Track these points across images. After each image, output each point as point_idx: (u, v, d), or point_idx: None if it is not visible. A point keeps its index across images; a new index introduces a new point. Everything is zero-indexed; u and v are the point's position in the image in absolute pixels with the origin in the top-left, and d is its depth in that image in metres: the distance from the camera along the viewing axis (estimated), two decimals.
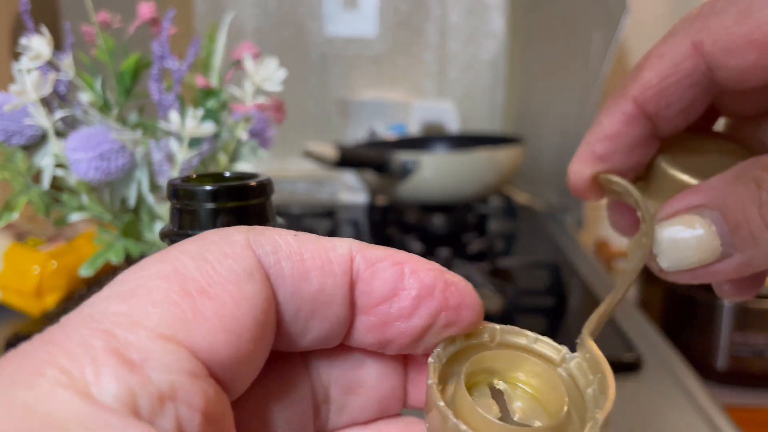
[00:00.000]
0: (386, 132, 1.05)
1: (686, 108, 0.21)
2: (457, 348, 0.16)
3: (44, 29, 0.38)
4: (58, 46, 0.39)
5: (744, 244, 0.18)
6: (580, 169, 0.23)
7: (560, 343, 0.17)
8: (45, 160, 0.39)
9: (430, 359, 0.15)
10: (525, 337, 0.17)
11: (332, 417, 0.16)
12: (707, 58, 0.19)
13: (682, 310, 0.85)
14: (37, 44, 0.38)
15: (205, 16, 1.19)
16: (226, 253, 0.13)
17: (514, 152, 0.89)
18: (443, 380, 0.15)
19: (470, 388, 0.16)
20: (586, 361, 0.16)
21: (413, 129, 1.07)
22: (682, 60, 0.20)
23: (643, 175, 0.24)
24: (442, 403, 0.14)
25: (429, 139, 1.03)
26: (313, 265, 0.14)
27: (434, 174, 0.85)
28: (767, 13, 0.18)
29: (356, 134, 1.07)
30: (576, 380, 0.16)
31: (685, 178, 0.22)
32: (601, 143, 0.22)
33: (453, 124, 1.07)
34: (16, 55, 0.38)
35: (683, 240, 0.19)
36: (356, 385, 0.16)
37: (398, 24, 1.22)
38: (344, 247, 0.14)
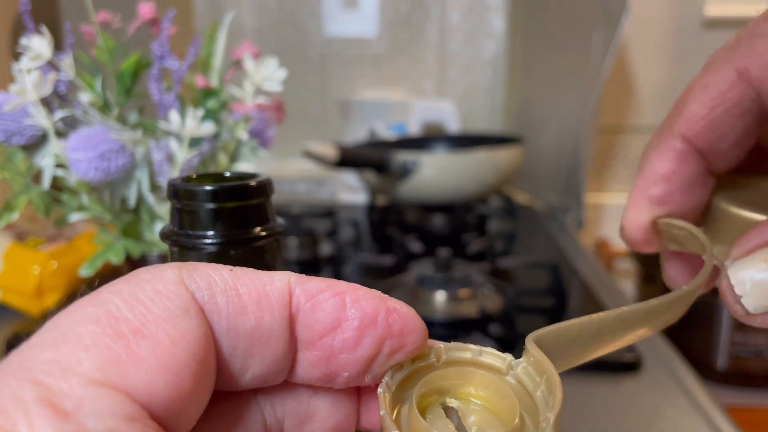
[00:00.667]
0: (386, 132, 1.05)
1: (739, 140, 0.20)
2: (406, 373, 0.16)
3: (44, 29, 0.38)
4: (58, 46, 0.39)
5: None
6: (637, 216, 0.22)
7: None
8: (45, 160, 0.39)
9: (379, 390, 0.15)
10: (470, 351, 0.16)
11: None
12: (755, 84, 0.19)
13: None
14: (37, 44, 0.38)
15: (205, 16, 1.19)
16: (159, 291, 0.13)
17: (514, 152, 0.89)
18: (395, 407, 0.15)
19: (423, 410, 0.16)
20: (531, 364, 0.15)
21: (413, 129, 1.07)
22: (728, 89, 0.19)
23: (701, 221, 0.23)
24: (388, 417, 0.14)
25: (429, 139, 1.03)
26: (249, 299, 0.14)
27: (434, 174, 0.85)
28: None
29: (356, 134, 1.07)
30: (525, 385, 0.16)
31: (751, 214, 0.21)
32: (657, 185, 0.21)
33: (453, 124, 1.07)
34: (16, 55, 0.38)
35: (766, 277, 0.18)
36: (309, 416, 0.16)
37: (398, 24, 1.22)
38: (282, 280, 0.14)
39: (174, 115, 0.40)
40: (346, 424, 0.16)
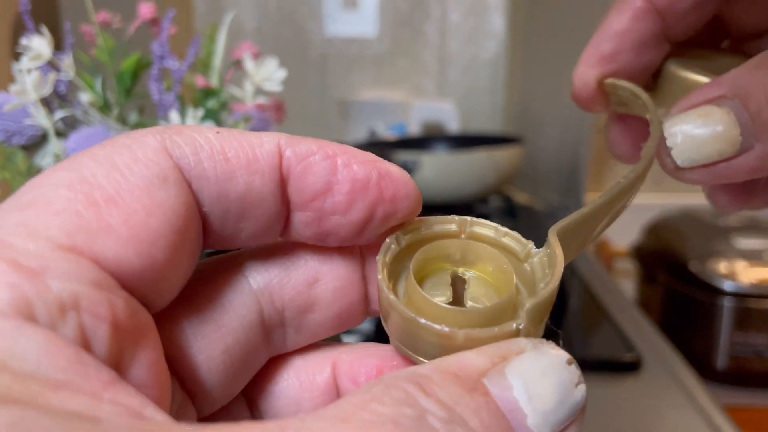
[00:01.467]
0: (386, 132, 1.05)
1: (698, 3, 0.20)
2: (417, 237, 0.16)
3: (44, 29, 0.38)
4: (58, 46, 0.39)
5: (766, 131, 0.17)
6: (586, 71, 0.22)
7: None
8: (45, 160, 0.39)
9: (378, 256, 0.15)
10: (494, 230, 0.16)
11: (290, 338, 0.16)
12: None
13: (681, 310, 0.85)
14: (38, 44, 0.38)
15: (205, 16, 1.19)
16: (138, 157, 0.12)
17: (514, 152, 0.89)
18: (395, 274, 0.15)
19: (425, 277, 0.16)
20: (547, 256, 0.15)
21: (413, 129, 1.07)
22: None
23: (652, 86, 0.22)
24: (392, 296, 0.14)
25: (429, 139, 1.03)
26: (238, 163, 0.13)
27: (434, 174, 0.85)
28: None
29: (356, 134, 1.07)
30: (535, 274, 0.16)
31: (699, 77, 0.20)
32: (609, 41, 0.21)
33: (453, 124, 1.07)
34: (16, 56, 0.38)
35: (700, 133, 0.18)
36: (312, 304, 0.16)
37: (398, 24, 1.22)
38: (272, 142, 0.14)
39: (174, 115, 0.40)
40: (351, 314, 0.16)
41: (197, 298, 0.14)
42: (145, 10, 0.44)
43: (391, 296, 0.14)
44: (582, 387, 0.13)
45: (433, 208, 0.91)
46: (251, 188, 0.13)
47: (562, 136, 0.98)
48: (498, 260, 0.16)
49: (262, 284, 0.15)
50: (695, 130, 0.18)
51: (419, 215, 0.16)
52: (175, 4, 0.48)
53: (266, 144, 0.14)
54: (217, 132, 0.13)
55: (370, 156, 0.15)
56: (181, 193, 0.12)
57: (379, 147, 0.97)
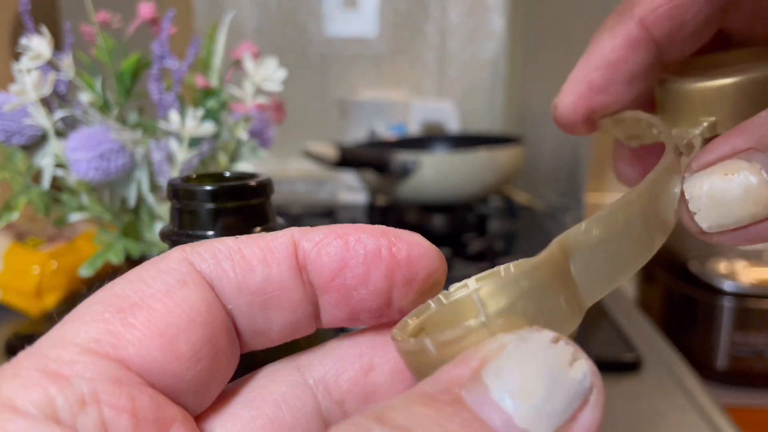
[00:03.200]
0: (386, 132, 1.05)
1: (699, 29, 0.18)
2: (431, 312, 0.15)
3: (44, 29, 0.38)
4: (57, 46, 0.39)
5: None
6: (573, 100, 0.20)
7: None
8: (45, 160, 0.39)
9: (394, 330, 0.14)
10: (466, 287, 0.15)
11: None
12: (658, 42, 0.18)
13: (682, 310, 0.85)
14: (37, 44, 0.38)
15: (204, 15, 1.19)
16: (160, 269, 0.14)
17: (514, 152, 0.89)
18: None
19: None
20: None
21: (413, 129, 1.07)
22: None
23: (651, 109, 0.21)
24: (395, 336, 0.14)
25: (429, 139, 1.03)
26: (254, 258, 0.14)
27: (434, 174, 0.85)
28: None
29: (356, 134, 1.07)
30: None
31: (708, 83, 0.18)
32: (600, 71, 0.19)
33: (453, 124, 1.07)
34: (16, 55, 0.38)
35: (727, 192, 0.16)
36: (372, 392, 0.16)
37: (398, 24, 1.22)
38: (286, 235, 0.15)
39: (174, 115, 0.40)
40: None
41: (251, 395, 0.15)
42: (145, 10, 0.44)
43: (394, 334, 0.14)
44: (581, 364, 0.11)
45: (433, 208, 0.91)
46: (269, 277, 0.14)
47: (562, 136, 0.98)
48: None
49: (317, 378, 0.16)
50: (721, 191, 0.16)
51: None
52: (174, 4, 0.48)
53: (280, 237, 0.15)
54: (236, 238, 0.15)
55: (380, 227, 0.15)
56: (200, 292, 0.13)
57: (379, 147, 0.97)
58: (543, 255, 0.13)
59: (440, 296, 0.15)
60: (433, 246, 0.15)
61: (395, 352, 0.15)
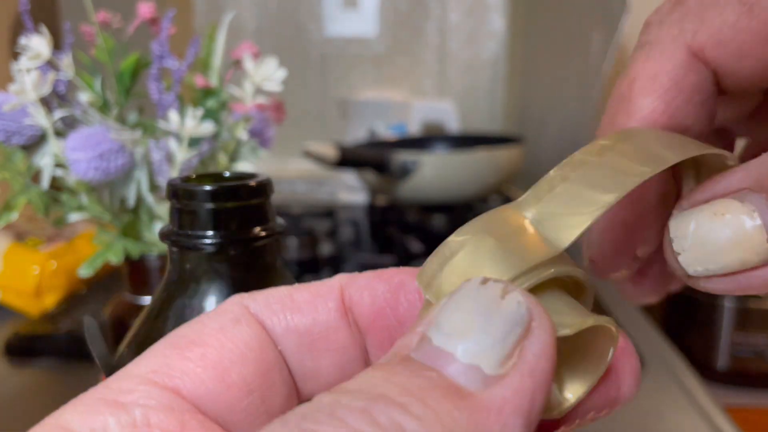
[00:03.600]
0: (386, 132, 1.05)
1: (702, 130, 0.17)
2: None
3: (43, 29, 0.38)
4: (57, 45, 0.39)
5: None
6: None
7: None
8: (44, 160, 0.39)
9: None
10: None
11: None
12: (712, 63, 0.16)
13: (682, 311, 0.85)
14: (37, 44, 0.38)
15: (204, 15, 1.19)
16: (217, 311, 0.15)
17: (514, 152, 0.89)
18: None
19: None
20: None
21: (413, 129, 1.07)
22: (684, 74, 0.16)
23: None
24: None
25: (429, 139, 1.03)
26: (302, 300, 0.15)
27: (434, 174, 0.85)
28: None
29: (356, 134, 1.07)
30: None
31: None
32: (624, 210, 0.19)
33: (453, 124, 1.07)
34: (15, 55, 0.38)
35: (714, 233, 0.14)
36: None
37: (398, 24, 1.22)
38: (333, 280, 0.16)
39: (173, 115, 0.40)
40: None
41: None
42: (145, 10, 0.44)
43: None
44: (513, 294, 0.11)
45: (433, 208, 0.91)
46: (316, 320, 0.15)
47: (562, 136, 0.98)
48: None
49: None
50: (708, 231, 0.14)
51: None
52: (174, 4, 0.48)
53: (327, 283, 0.16)
54: (290, 286, 0.16)
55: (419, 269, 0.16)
56: (252, 330, 0.15)
57: (379, 147, 0.97)
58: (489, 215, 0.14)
59: None
60: None
61: None
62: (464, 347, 0.11)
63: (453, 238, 0.14)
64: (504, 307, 0.11)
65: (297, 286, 0.16)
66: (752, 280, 0.14)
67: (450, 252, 0.13)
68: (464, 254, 0.13)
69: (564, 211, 0.14)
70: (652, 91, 0.16)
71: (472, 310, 0.11)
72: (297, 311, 0.15)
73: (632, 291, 0.20)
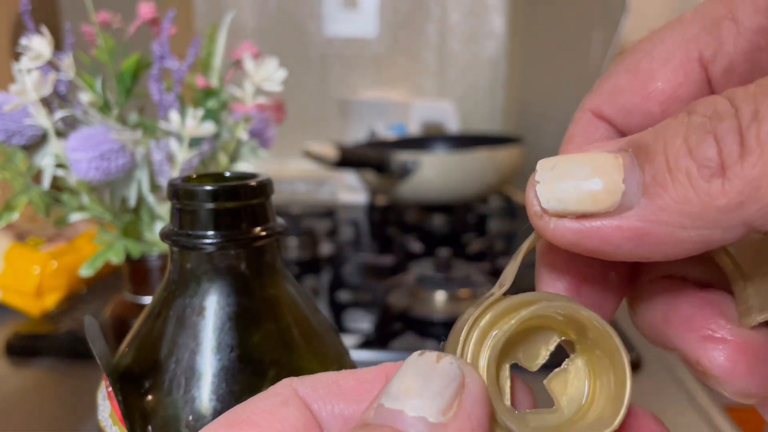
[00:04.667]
0: (386, 132, 1.05)
1: None
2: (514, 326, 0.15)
3: (44, 29, 0.38)
4: (58, 46, 0.39)
5: (655, 182, 0.13)
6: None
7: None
8: (45, 160, 0.39)
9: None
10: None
11: None
12: (612, 123, 0.17)
13: None
14: (38, 44, 0.38)
15: (205, 16, 1.19)
16: (269, 393, 0.16)
17: (514, 152, 0.89)
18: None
19: (528, 336, 0.17)
20: None
21: (413, 129, 1.07)
22: (594, 129, 0.17)
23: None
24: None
25: (429, 139, 1.03)
26: (348, 388, 0.16)
27: (434, 174, 0.85)
28: (656, 64, 0.15)
29: (356, 134, 1.07)
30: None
31: None
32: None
33: (453, 124, 1.07)
34: (16, 55, 0.38)
35: (577, 169, 0.14)
36: None
37: (398, 24, 1.22)
38: (380, 369, 0.16)
39: (174, 115, 0.40)
40: None
41: None
42: (145, 10, 0.44)
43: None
44: (447, 358, 0.13)
45: (433, 208, 0.91)
46: (361, 408, 0.16)
47: (562, 136, 0.98)
48: (607, 341, 0.15)
49: None
50: (572, 165, 0.14)
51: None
52: (175, 4, 0.48)
53: (373, 371, 0.16)
54: (337, 372, 0.17)
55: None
56: (299, 412, 0.15)
57: (379, 147, 0.97)
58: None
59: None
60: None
61: None
62: (410, 404, 0.13)
63: None
64: (439, 368, 0.14)
65: (344, 373, 0.16)
66: (601, 230, 0.13)
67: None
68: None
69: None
70: (578, 147, 0.17)
71: (414, 375, 0.14)
72: (342, 399, 0.16)
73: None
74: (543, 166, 0.14)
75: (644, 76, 0.16)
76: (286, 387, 0.16)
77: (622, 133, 0.17)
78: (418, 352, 0.14)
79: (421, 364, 0.14)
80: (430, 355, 0.14)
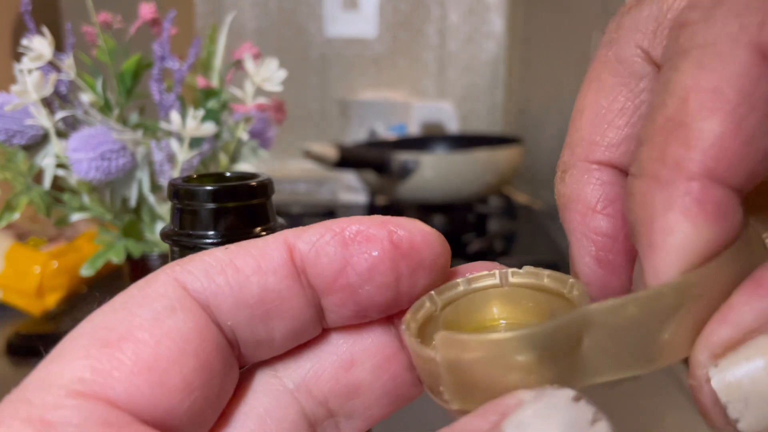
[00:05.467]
0: (386, 132, 1.06)
1: None
2: (454, 295, 0.15)
3: (45, 30, 0.39)
4: (59, 46, 0.39)
5: None
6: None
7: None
8: (46, 161, 0.40)
9: (406, 314, 0.14)
10: (535, 275, 0.15)
11: (343, 427, 0.15)
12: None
13: None
14: (39, 45, 0.38)
15: (205, 16, 1.20)
16: (147, 294, 0.13)
17: (513, 152, 0.90)
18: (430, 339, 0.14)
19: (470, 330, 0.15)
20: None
21: (413, 129, 1.07)
22: (755, 83, 0.12)
23: None
24: (408, 337, 0.13)
25: (429, 139, 1.03)
26: (248, 269, 0.14)
27: (434, 174, 0.85)
28: None
29: (356, 134, 1.08)
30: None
31: None
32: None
33: (453, 125, 1.07)
34: (17, 56, 0.38)
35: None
36: (354, 388, 0.15)
37: (398, 24, 1.22)
38: (278, 239, 0.14)
39: (175, 116, 0.41)
40: (398, 384, 0.16)
41: (233, 413, 0.14)
42: (146, 11, 0.44)
43: (407, 337, 0.13)
44: (602, 425, 0.11)
45: (433, 208, 0.91)
46: (267, 288, 0.14)
47: (562, 136, 0.98)
48: (537, 301, 0.15)
49: (297, 381, 0.15)
50: (762, 376, 0.11)
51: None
52: (175, 5, 0.49)
53: (272, 243, 0.14)
54: (225, 248, 0.14)
55: (378, 218, 0.14)
56: (190, 318, 0.13)
57: (379, 147, 0.97)
58: (565, 320, 0.12)
59: (460, 282, 0.15)
60: (435, 230, 0.15)
61: (376, 345, 0.15)
62: None
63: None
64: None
65: (235, 248, 0.14)
66: None
67: None
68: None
69: None
70: (715, 110, 0.12)
71: (560, 426, 0.11)
72: (244, 282, 0.13)
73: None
74: (731, 397, 0.12)
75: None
76: (169, 285, 0.13)
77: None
78: (573, 394, 0.11)
79: (573, 417, 0.11)
80: (586, 411, 0.11)
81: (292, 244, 0.14)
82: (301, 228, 0.14)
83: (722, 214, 0.12)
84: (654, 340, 0.13)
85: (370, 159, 0.85)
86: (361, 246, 0.14)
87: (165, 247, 0.42)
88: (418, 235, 0.14)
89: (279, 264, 0.14)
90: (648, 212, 0.13)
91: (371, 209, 1.01)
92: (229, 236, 0.22)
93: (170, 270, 0.13)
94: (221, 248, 0.14)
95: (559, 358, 0.12)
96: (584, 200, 0.16)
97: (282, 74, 0.46)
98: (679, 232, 0.12)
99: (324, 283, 0.14)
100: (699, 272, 0.12)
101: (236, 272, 0.13)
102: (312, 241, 0.14)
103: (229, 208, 0.22)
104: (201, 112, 0.41)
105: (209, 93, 0.45)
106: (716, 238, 0.12)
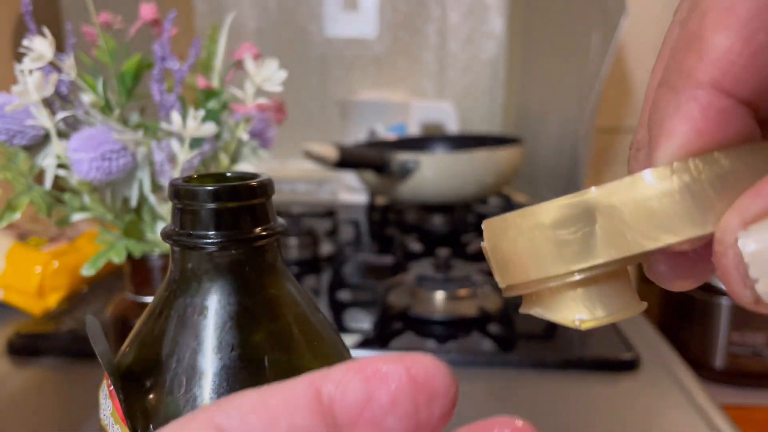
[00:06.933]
0: (386, 132, 1.06)
1: None
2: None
3: (46, 30, 0.39)
4: (59, 47, 0.39)
5: None
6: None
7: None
8: (47, 161, 0.40)
9: None
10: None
11: None
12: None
13: (680, 309, 0.86)
14: (39, 45, 0.38)
15: (205, 16, 1.20)
16: None
17: (513, 152, 0.90)
18: None
19: None
20: None
21: (413, 129, 1.07)
22: (765, 2, 0.13)
23: None
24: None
25: (429, 139, 1.04)
26: (278, 408, 0.15)
27: (434, 174, 0.85)
28: None
29: (356, 134, 1.08)
30: None
31: None
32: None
33: (452, 125, 1.07)
34: (18, 56, 0.38)
35: None
36: None
37: (398, 25, 1.22)
38: (304, 381, 0.15)
39: (175, 116, 0.41)
40: None
41: None
42: (147, 11, 0.44)
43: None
44: None
45: (433, 208, 0.91)
46: (294, 425, 0.15)
47: (562, 136, 0.98)
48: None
49: None
50: None
51: None
52: (175, 5, 0.49)
53: (300, 384, 0.15)
54: (259, 390, 0.15)
55: (395, 356, 0.16)
56: None
57: (379, 147, 0.98)
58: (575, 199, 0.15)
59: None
60: (443, 363, 0.16)
61: None
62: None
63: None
64: None
65: (267, 389, 0.15)
66: None
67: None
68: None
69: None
70: (727, 25, 0.13)
71: None
72: (275, 422, 0.15)
73: (666, 274, 0.18)
74: (755, 258, 0.13)
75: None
76: (206, 427, 0.14)
77: (752, 109, 0.14)
78: None
79: None
80: None
81: (319, 385, 0.15)
82: (324, 370, 0.16)
83: (724, 122, 0.13)
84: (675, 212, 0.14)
85: (370, 159, 0.85)
86: (382, 380, 0.15)
87: (166, 247, 0.42)
88: (431, 368, 0.15)
89: (306, 402, 0.15)
90: (660, 116, 0.14)
91: (371, 209, 1.01)
92: (229, 236, 0.22)
93: (207, 410, 0.15)
94: (255, 389, 0.16)
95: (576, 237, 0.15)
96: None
97: (282, 74, 0.46)
98: (680, 135, 0.14)
99: (350, 417, 0.15)
100: (725, 152, 0.13)
101: (266, 410, 0.15)
102: (337, 379, 0.15)
103: (230, 208, 0.22)
104: (201, 113, 0.41)
105: (209, 93, 0.45)
106: (716, 145, 0.13)
